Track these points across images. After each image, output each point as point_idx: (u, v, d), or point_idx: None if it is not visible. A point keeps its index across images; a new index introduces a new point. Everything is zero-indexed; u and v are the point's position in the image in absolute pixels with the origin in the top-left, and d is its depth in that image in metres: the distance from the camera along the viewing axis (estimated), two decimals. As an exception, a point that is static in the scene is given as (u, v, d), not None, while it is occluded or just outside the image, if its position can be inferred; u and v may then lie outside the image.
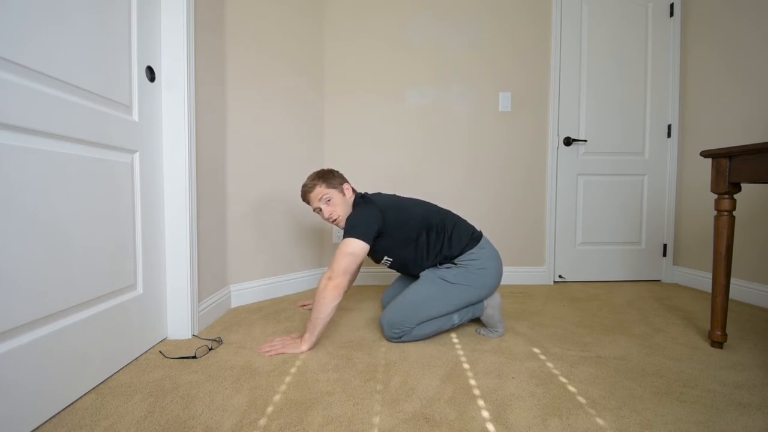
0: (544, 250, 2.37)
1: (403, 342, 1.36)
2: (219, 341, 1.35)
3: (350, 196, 1.50)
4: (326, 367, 1.17)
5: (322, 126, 2.28)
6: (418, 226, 1.42)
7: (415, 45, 2.28)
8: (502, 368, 1.16)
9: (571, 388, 1.04)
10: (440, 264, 1.44)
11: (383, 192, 1.61)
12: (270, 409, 0.93)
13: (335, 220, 1.46)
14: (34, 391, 0.84)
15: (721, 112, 2.11)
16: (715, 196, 1.29)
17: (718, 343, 1.31)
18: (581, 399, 0.98)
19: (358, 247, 1.29)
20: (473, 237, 1.45)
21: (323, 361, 1.21)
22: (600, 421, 0.89)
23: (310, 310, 1.31)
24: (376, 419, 0.89)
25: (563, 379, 1.09)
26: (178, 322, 1.39)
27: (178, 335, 1.39)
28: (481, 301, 1.43)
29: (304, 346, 1.27)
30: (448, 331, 1.48)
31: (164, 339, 1.38)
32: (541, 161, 2.34)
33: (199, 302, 1.48)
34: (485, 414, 0.92)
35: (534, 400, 0.98)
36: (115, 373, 1.11)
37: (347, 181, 1.53)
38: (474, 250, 1.42)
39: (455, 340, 1.39)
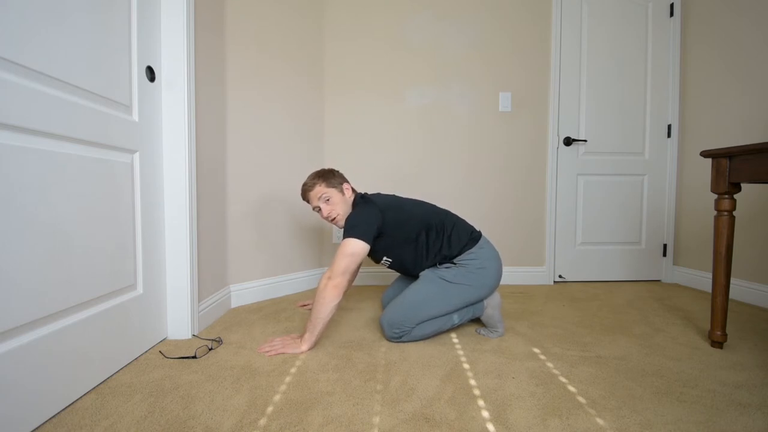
0: (544, 250, 2.37)
1: (403, 342, 1.36)
2: (219, 341, 1.35)
3: (350, 196, 1.50)
4: (326, 367, 1.17)
5: (322, 126, 2.28)
6: (417, 226, 1.42)
7: (415, 45, 2.28)
8: (502, 368, 1.16)
9: (571, 388, 1.04)
10: (440, 264, 1.44)
11: (383, 192, 1.62)
12: (270, 409, 0.93)
13: (334, 219, 1.46)
14: (34, 391, 0.84)
15: (721, 112, 2.10)
16: (715, 196, 1.29)
17: (718, 343, 1.31)
18: (581, 399, 0.98)
19: (358, 247, 1.29)
20: (472, 237, 1.45)
21: (323, 361, 1.21)
22: (600, 421, 0.89)
23: (310, 310, 1.31)
24: (376, 419, 0.89)
25: (563, 379, 1.09)
26: (178, 322, 1.39)
27: (178, 335, 1.39)
28: (480, 300, 1.43)
29: (304, 346, 1.27)
30: (448, 331, 1.48)
31: (164, 339, 1.38)
32: (541, 161, 2.34)
33: (199, 302, 1.48)
34: (485, 414, 0.92)
35: (534, 400, 0.98)
36: (115, 373, 1.11)
37: (347, 181, 1.53)
38: (473, 249, 1.42)
39: (455, 340, 1.39)
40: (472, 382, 1.08)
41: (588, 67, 2.34)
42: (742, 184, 1.45)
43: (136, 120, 1.21)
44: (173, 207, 1.37)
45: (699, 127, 2.25)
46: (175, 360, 1.21)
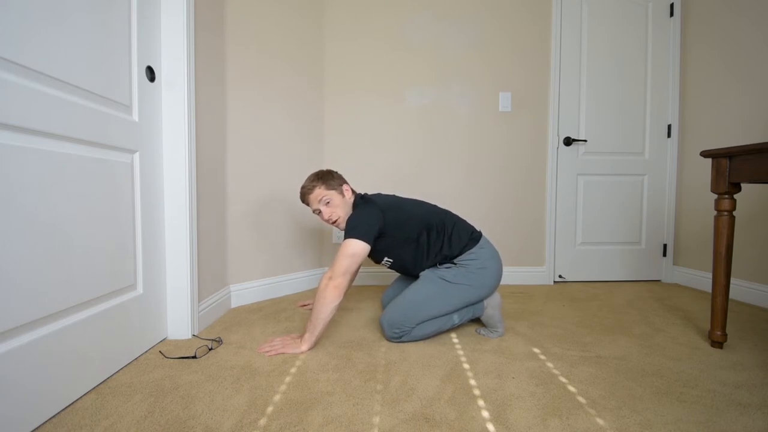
0: (544, 250, 2.37)
1: (403, 342, 1.36)
2: (219, 341, 1.35)
3: (350, 197, 1.50)
4: (326, 367, 1.17)
5: (322, 126, 2.28)
6: (418, 226, 1.42)
7: (415, 45, 2.28)
8: (502, 368, 1.16)
9: (571, 388, 1.04)
10: (440, 264, 1.44)
11: (383, 192, 1.61)
12: (270, 409, 0.93)
13: (335, 221, 1.46)
14: (34, 391, 0.84)
15: (721, 112, 2.10)
16: (715, 196, 1.29)
17: (718, 343, 1.31)
18: (581, 399, 0.98)
19: (359, 247, 1.29)
20: (473, 237, 1.45)
21: (323, 361, 1.21)
22: (600, 421, 0.89)
23: (310, 310, 1.31)
24: (376, 419, 0.89)
25: (563, 379, 1.09)
26: (178, 322, 1.39)
27: (178, 335, 1.39)
28: (480, 300, 1.43)
29: (304, 346, 1.27)
30: (448, 331, 1.48)
31: (164, 339, 1.38)
32: (541, 161, 2.34)
33: (199, 302, 1.48)
34: (485, 414, 0.92)
35: (534, 400, 0.98)
36: (115, 373, 1.11)
37: (346, 182, 1.53)
38: (474, 249, 1.42)
39: (455, 340, 1.39)
40: (472, 382, 1.08)
41: (588, 67, 2.34)
42: (742, 184, 1.45)
43: (136, 120, 1.21)
44: (173, 207, 1.37)
45: (699, 127, 2.25)
46: (175, 360, 1.21)
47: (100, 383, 1.05)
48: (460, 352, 1.28)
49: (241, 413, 0.91)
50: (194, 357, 1.22)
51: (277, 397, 0.99)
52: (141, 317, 1.24)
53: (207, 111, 1.56)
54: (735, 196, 1.50)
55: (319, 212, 1.48)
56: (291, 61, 2.05)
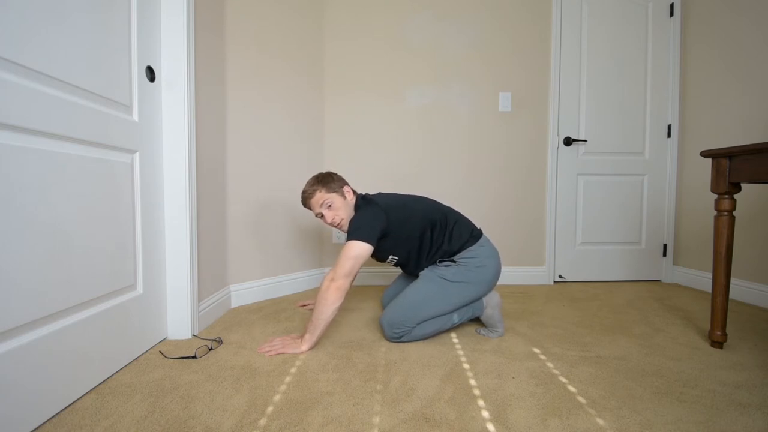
0: (544, 250, 2.37)
1: (403, 342, 1.36)
2: (219, 341, 1.35)
3: (351, 199, 1.49)
4: (326, 367, 1.17)
5: (322, 126, 2.28)
6: (421, 223, 1.42)
7: (415, 45, 2.28)
8: (502, 368, 1.16)
9: (571, 388, 1.04)
10: (440, 260, 1.44)
11: (383, 192, 1.61)
12: (270, 409, 0.93)
13: (338, 224, 1.45)
14: (34, 391, 0.84)
15: (721, 112, 2.10)
16: (715, 196, 1.29)
17: (718, 343, 1.31)
18: (581, 399, 0.98)
19: (362, 249, 1.28)
20: (473, 234, 1.45)
21: (323, 361, 1.21)
22: (600, 421, 0.89)
23: (311, 310, 1.31)
24: (376, 419, 0.89)
25: (563, 379, 1.09)
26: (178, 322, 1.39)
27: (178, 335, 1.39)
28: (480, 298, 1.43)
29: (304, 347, 1.27)
30: (448, 330, 1.48)
31: (164, 339, 1.38)
32: (541, 161, 2.34)
33: (199, 302, 1.48)
34: (485, 414, 0.92)
35: (534, 400, 0.98)
36: (115, 373, 1.11)
37: (347, 183, 1.52)
38: (473, 247, 1.42)
39: (455, 340, 1.39)
40: (472, 382, 1.08)
41: (588, 67, 2.34)
42: (742, 184, 1.45)
43: (136, 120, 1.21)
44: (173, 207, 1.37)
45: (699, 127, 2.25)
46: (175, 360, 1.21)
47: (100, 383, 1.05)
48: (460, 352, 1.28)
49: (241, 413, 0.91)
50: (194, 357, 1.22)
51: (277, 397, 0.99)
52: (141, 317, 1.24)
53: (207, 111, 1.56)
54: (735, 196, 1.50)
55: (321, 216, 1.47)
56: (291, 61, 2.05)
